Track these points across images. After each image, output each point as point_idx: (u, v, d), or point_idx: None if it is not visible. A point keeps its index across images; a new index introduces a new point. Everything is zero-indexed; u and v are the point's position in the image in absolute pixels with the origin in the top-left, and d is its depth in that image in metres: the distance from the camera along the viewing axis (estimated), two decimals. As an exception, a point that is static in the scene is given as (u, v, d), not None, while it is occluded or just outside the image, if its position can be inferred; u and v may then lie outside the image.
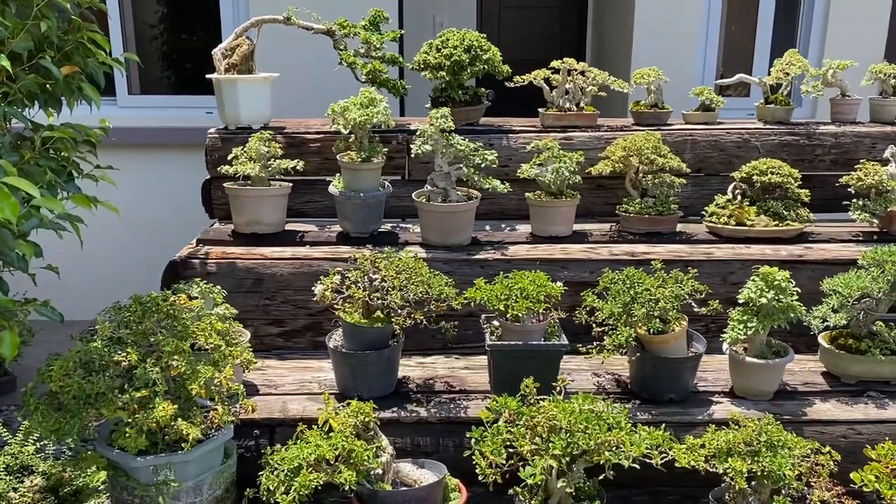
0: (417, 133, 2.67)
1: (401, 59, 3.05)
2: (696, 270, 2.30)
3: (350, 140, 2.73)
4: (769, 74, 3.21)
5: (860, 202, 2.76)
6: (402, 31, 3.11)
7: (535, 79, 3.10)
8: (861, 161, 2.86)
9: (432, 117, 2.64)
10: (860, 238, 2.83)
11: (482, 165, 2.67)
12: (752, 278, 2.20)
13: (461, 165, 2.69)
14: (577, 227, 2.91)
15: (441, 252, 2.65)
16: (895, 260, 2.27)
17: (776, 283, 2.14)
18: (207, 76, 3.01)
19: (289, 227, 2.91)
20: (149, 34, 4.90)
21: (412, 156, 2.67)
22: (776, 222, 2.77)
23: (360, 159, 2.69)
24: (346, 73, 3.07)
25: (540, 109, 3.20)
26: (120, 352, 1.73)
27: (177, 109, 4.19)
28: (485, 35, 3.06)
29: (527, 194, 2.86)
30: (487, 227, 3.02)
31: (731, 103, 4.79)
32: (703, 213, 2.91)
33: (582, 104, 3.13)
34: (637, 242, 2.78)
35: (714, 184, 3.09)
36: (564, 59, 3.10)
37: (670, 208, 2.82)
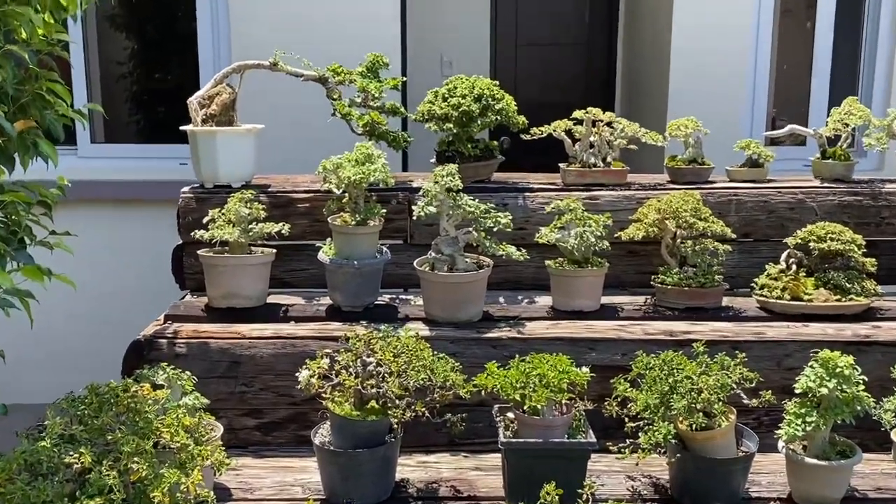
0: (420, 192, 2.71)
1: (402, 109, 3.13)
2: (744, 354, 2.29)
3: (343, 201, 2.77)
4: (826, 124, 3.26)
5: (936, 273, 2.77)
6: (405, 78, 3.20)
7: (554, 131, 3.17)
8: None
9: (437, 175, 2.69)
10: (937, 314, 2.83)
11: (494, 229, 2.70)
12: (810, 364, 2.19)
13: (470, 229, 2.73)
14: (605, 300, 2.92)
15: (447, 329, 2.67)
16: (978, 343, 2.26)
17: (839, 370, 2.14)
18: (182, 128, 3.09)
19: (272, 299, 2.93)
20: (116, 72, 5.05)
21: (414, 218, 2.71)
22: (838, 296, 2.77)
23: (354, 222, 2.73)
24: (341, 125, 3.14)
25: (561, 165, 3.25)
26: (72, 452, 1.73)
27: (146, 160, 4.28)
28: (497, 82, 3.14)
29: (547, 262, 2.88)
30: (501, 300, 3.03)
31: (783, 153, 4.87)
32: (752, 285, 2.92)
33: (609, 159, 3.19)
34: (675, 319, 2.79)
35: (764, 251, 3.11)
36: (588, 109, 3.16)
37: (714, 279, 2.83)
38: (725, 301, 2.91)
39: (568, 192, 3.13)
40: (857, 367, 2.16)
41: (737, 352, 2.38)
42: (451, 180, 2.68)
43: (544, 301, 2.96)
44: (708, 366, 2.22)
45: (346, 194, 2.76)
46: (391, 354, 2.22)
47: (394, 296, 3.04)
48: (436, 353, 2.30)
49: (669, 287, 2.84)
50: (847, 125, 3.15)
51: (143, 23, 5.16)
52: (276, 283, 3.07)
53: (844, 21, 5.23)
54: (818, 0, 5.17)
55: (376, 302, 2.88)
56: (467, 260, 2.76)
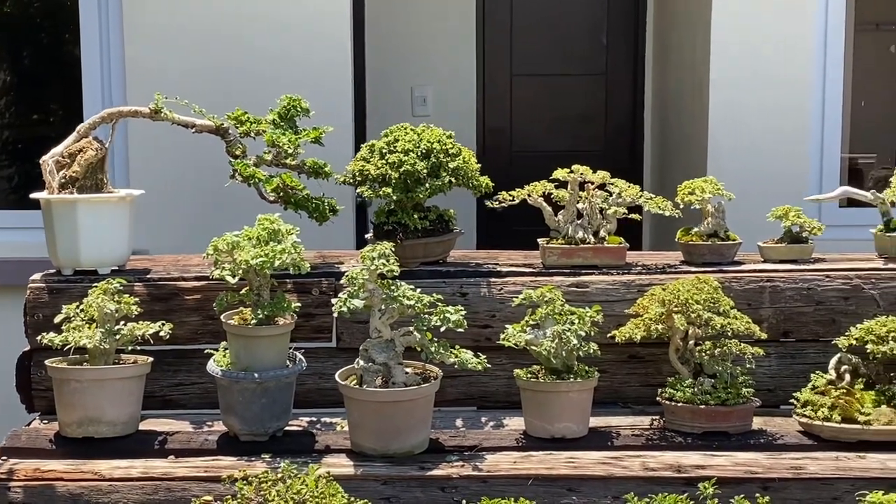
0: (343, 280, 2.76)
1: (327, 168, 3.20)
2: (767, 499, 2.30)
3: (242, 292, 2.81)
4: (890, 185, 3.33)
5: None
6: (330, 128, 3.26)
7: (529, 195, 3.23)
8: None
9: (365, 257, 2.73)
10: None
11: (442, 329, 2.73)
12: (855, 513, 2.21)
13: (411, 329, 2.76)
14: (597, 421, 2.93)
15: (379, 465, 2.67)
16: None
17: (892, 522, 2.15)
18: (33, 195, 3.15)
19: (147, 425, 2.94)
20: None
21: (335, 314, 2.75)
22: (905, 417, 2.79)
23: (255, 320, 2.77)
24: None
25: (540, 241, 3.30)
26: None
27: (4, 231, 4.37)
28: (452, 133, 3.22)
29: (516, 372, 2.90)
30: (459, 423, 3.05)
31: (844, 217, 4.94)
32: (792, 401, 2.94)
33: (602, 233, 3.24)
34: (688, 448, 2.79)
35: (811, 355, 3.14)
36: (574, 168, 3.23)
37: (739, 394, 2.85)
38: (757, 423, 2.92)
39: (548, 276, 3.18)
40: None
41: (767, 492, 2.40)
42: (383, 264, 2.72)
43: (516, 424, 2.97)
44: (718, 516, 2.24)
45: (247, 283, 2.81)
46: None
47: (314, 419, 3.05)
48: (354, 500, 2.31)
49: (680, 405, 2.85)
50: (916, 187, 3.23)
51: (13, 49, 5.31)
52: (156, 403, 3.10)
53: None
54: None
55: (287, 428, 2.89)
56: (408, 371, 2.78)
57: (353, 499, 2.34)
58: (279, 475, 2.34)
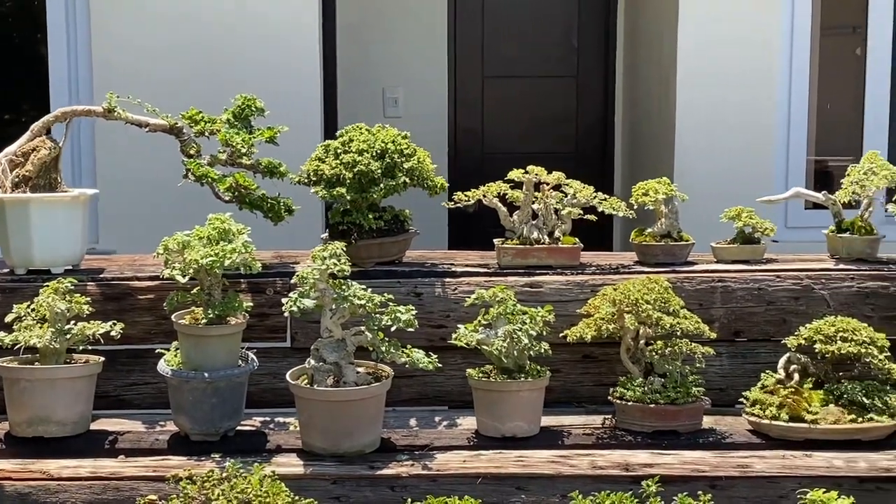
0: (294, 280, 2.75)
1: (282, 167, 3.20)
2: (708, 496, 2.32)
3: (193, 292, 2.81)
4: (841, 186, 3.36)
5: (980, 385, 2.82)
6: (286, 128, 3.26)
7: (484, 196, 3.24)
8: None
9: (316, 256, 2.73)
10: None
11: (393, 328, 2.74)
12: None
13: (362, 329, 2.76)
14: (550, 421, 2.95)
15: (329, 464, 2.67)
16: None
17: (831, 520, 2.16)
18: (-15, 195, 3.15)
19: (99, 425, 2.94)
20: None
21: (285, 314, 2.74)
22: (853, 416, 2.81)
23: (206, 320, 2.76)
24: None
25: (496, 241, 3.31)
26: None
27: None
28: (407, 134, 3.23)
29: (469, 371, 2.91)
30: (413, 422, 3.06)
31: (809, 219, 4.98)
32: (741, 400, 2.95)
33: (557, 233, 3.26)
34: (638, 447, 2.81)
35: (762, 355, 3.16)
36: (529, 168, 3.25)
37: (689, 393, 2.86)
38: (708, 422, 2.93)
39: (503, 276, 3.19)
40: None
41: (714, 490, 2.41)
42: (334, 263, 2.72)
43: (469, 424, 2.98)
44: (660, 514, 2.25)
45: (198, 283, 2.81)
46: None
47: (268, 418, 3.05)
48: (299, 499, 2.31)
49: (630, 404, 2.86)
50: (867, 188, 3.24)
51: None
52: (109, 403, 3.10)
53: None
54: (869, 18, 5.39)
55: (240, 428, 2.89)
56: (359, 370, 2.78)
57: (297, 498, 2.34)
58: (224, 474, 2.34)
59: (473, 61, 6.81)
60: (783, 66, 5.21)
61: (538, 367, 2.89)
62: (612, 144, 6.88)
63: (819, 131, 5.79)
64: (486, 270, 3.25)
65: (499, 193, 3.26)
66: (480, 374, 2.89)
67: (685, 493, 2.37)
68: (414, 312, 2.77)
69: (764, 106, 5.18)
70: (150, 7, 4.65)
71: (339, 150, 3.14)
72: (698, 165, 5.10)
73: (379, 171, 3.09)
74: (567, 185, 3.27)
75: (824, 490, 2.37)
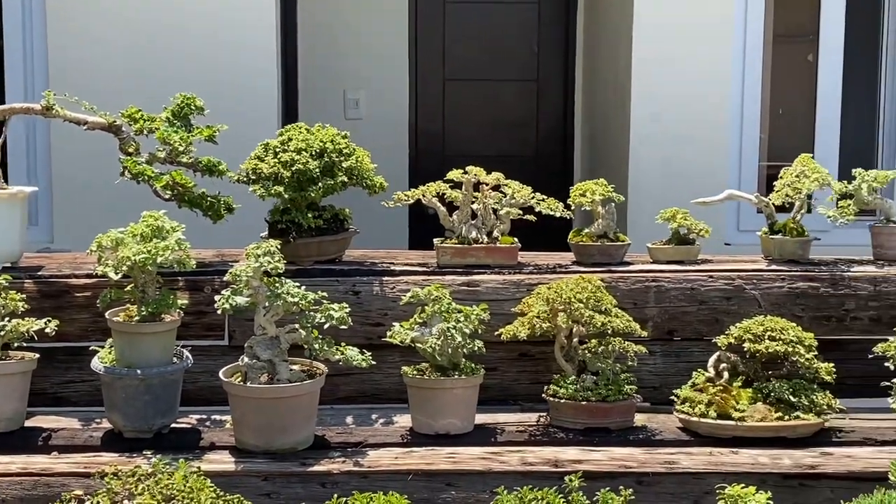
0: (227, 277, 2.76)
1: (221, 165, 3.20)
2: (630, 491, 2.34)
3: (127, 289, 2.81)
4: (774, 189, 3.40)
5: (903, 383, 2.86)
6: (225, 127, 3.26)
7: (423, 196, 3.26)
8: (903, 320, 3.00)
9: (250, 254, 2.74)
10: (916, 437, 2.91)
11: (326, 326, 2.75)
12: (711, 506, 2.24)
13: (296, 326, 2.77)
14: (485, 418, 2.97)
15: (261, 462, 2.68)
16: (933, 474, 2.34)
17: (747, 515, 2.19)
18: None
19: (34, 422, 2.94)
20: None
21: (218, 312, 2.75)
22: (779, 413, 2.85)
23: (139, 317, 2.77)
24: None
25: (436, 241, 3.33)
26: None
27: None
28: (347, 133, 3.24)
29: (404, 369, 2.92)
30: (350, 420, 3.07)
31: (758, 221, 5.02)
32: (671, 398, 2.99)
33: (496, 233, 3.28)
34: (568, 444, 2.84)
35: (695, 353, 3.19)
36: (468, 169, 3.27)
37: (620, 391, 2.89)
38: (640, 419, 2.97)
39: (441, 275, 3.21)
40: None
41: (641, 486, 2.44)
42: (268, 261, 2.73)
43: (405, 421, 2.99)
44: (582, 510, 2.27)
45: (132, 280, 2.81)
46: (158, 501, 2.23)
47: (205, 416, 3.05)
48: (225, 495, 2.32)
49: (563, 401, 2.89)
50: (799, 190, 3.28)
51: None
52: (46, 400, 3.09)
53: (857, 50, 5.50)
54: (821, 25, 5.45)
55: (175, 425, 2.89)
56: (293, 368, 2.79)
57: (223, 494, 2.34)
58: (149, 471, 2.34)
59: (435, 64, 6.81)
60: (736, 74, 5.26)
61: (472, 365, 2.91)
62: (572, 148, 6.91)
63: (773, 137, 5.84)
64: (425, 269, 3.27)
65: (438, 193, 3.28)
66: (415, 372, 2.90)
67: (607, 489, 2.38)
68: (347, 310, 2.79)
69: (717, 112, 5.22)
70: (108, 2, 4.65)
71: (277, 149, 3.14)
72: (652, 171, 5.13)
73: (317, 169, 3.10)
74: (506, 185, 3.30)
75: (743, 486, 2.39)
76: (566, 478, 2.38)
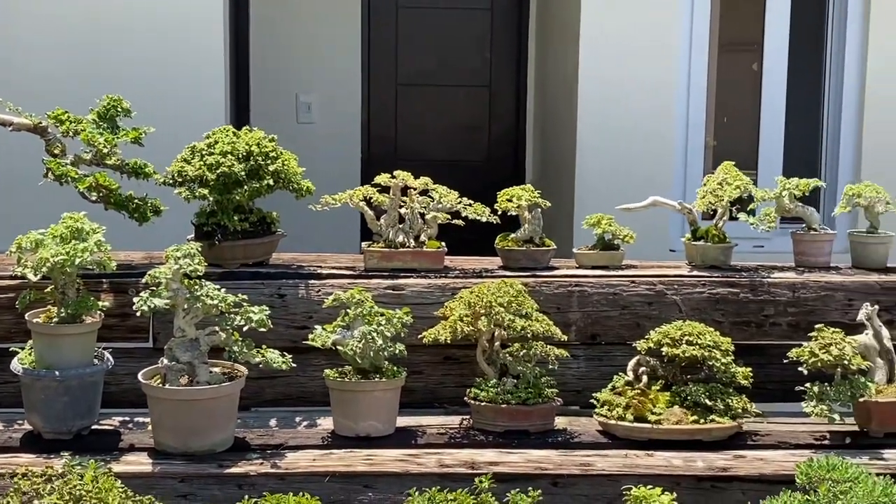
0: (146, 279, 2.76)
1: (149, 167, 3.20)
2: (537, 492, 2.36)
3: (47, 290, 2.81)
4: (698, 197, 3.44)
5: (816, 388, 2.90)
6: (152, 129, 3.26)
7: (350, 200, 3.27)
8: (817, 327, 3.03)
9: (169, 256, 2.74)
10: (825, 441, 2.95)
11: (245, 328, 2.76)
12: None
13: (216, 328, 2.78)
14: (408, 420, 2.99)
15: (178, 463, 2.68)
16: (836, 478, 2.38)
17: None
18: None
19: (-48, 424, 2.91)
20: None
21: (137, 314, 2.75)
22: (695, 417, 2.88)
23: (58, 319, 2.76)
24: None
25: (363, 244, 3.35)
26: None
27: None
28: (274, 137, 3.25)
29: (326, 372, 2.94)
30: (273, 422, 3.07)
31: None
32: (591, 401, 3.01)
33: (423, 237, 3.30)
34: (487, 446, 2.85)
35: (618, 358, 3.22)
36: (396, 173, 3.28)
37: (541, 394, 2.92)
38: (563, 423, 2.99)
39: (367, 279, 3.22)
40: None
41: (536, 491, 2.46)
42: (188, 263, 2.73)
43: (329, 424, 2.99)
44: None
45: (52, 282, 2.80)
46: (67, 502, 2.23)
47: (128, 418, 3.04)
48: (133, 495, 2.32)
49: (484, 404, 2.91)
50: (721, 198, 3.33)
51: None
52: (-35, 403, 3.08)
53: (802, 58, 5.56)
54: (765, 35, 5.52)
55: (96, 427, 2.88)
56: (213, 370, 2.79)
57: (132, 494, 2.35)
58: (59, 471, 2.34)
59: (387, 69, 6.83)
60: (681, 82, 5.32)
61: (395, 368, 2.92)
62: (524, 154, 6.97)
63: (721, 144, 5.90)
64: (351, 273, 3.28)
65: (365, 197, 3.30)
66: (337, 375, 2.91)
67: (517, 490, 2.41)
68: (267, 313, 2.80)
69: (663, 120, 5.28)
70: (46, 3, 4.62)
71: (203, 152, 3.15)
72: (599, 177, 5.16)
73: (243, 172, 3.10)
74: (433, 190, 3.31)
75: (650, 487, 2.43)
76: (476, 479, 2.41)
